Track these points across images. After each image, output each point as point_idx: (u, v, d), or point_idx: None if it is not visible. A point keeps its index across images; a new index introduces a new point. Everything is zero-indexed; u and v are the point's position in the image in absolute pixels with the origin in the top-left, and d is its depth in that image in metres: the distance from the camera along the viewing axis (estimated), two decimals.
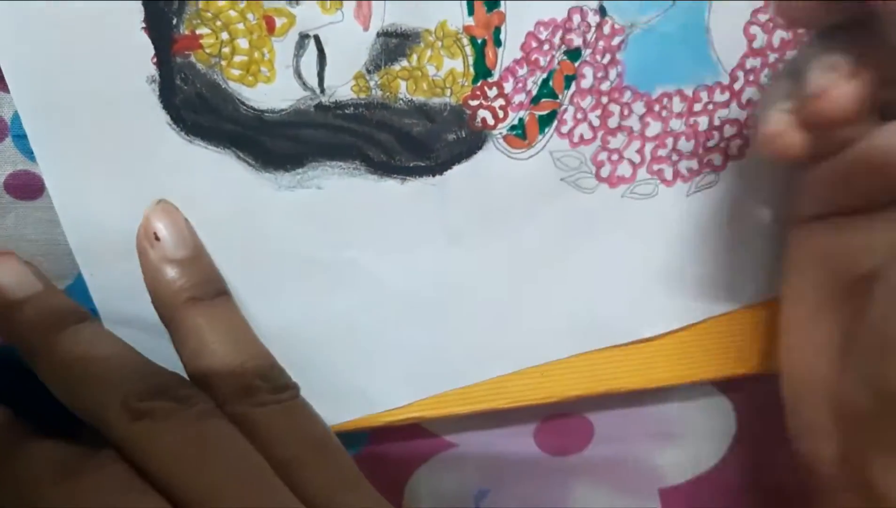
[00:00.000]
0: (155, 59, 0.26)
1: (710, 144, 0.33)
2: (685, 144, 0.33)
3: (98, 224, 0.27)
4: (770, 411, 0.31)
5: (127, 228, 0.28)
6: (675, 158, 0.33)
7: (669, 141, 0.33)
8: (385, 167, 0.30)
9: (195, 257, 0.27)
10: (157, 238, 0.27)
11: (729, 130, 0.33)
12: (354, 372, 0.31)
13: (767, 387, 0.32)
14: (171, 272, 0.27)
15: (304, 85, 0.28)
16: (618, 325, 0.33)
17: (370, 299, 0.31)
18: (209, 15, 0.26)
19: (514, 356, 0.33)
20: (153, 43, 0.26)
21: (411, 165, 0.30)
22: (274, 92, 0.28)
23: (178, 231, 0.27)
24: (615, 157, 0.32)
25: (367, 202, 0.30)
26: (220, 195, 0.28)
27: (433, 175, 0.30)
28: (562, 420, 0.36)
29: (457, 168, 0.30)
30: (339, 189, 0.29)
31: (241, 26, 0.27)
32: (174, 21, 0.26)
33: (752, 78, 0.32)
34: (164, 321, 0.27)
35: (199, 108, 0.27)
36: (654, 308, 0.33)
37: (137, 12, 0.26)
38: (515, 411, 0.33)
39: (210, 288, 0.27)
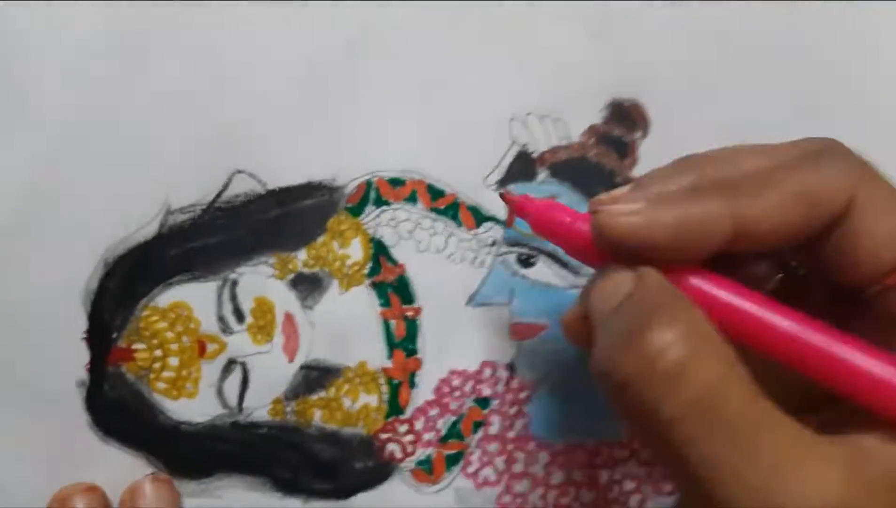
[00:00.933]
0: (88, 366, 0.29)
1: (610, 496, 0.34)
2: (586, 495, 0.34)
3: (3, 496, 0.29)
4: None
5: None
6: (576, 507, 0.34)
7: (572, 491, 0.34)
8: (290, 486, 0.31)
9: None
10: None
11: (628, 485, 0.34)
12: None
13: None
14: None
15: (224, 404, 0.30)
16: None
17: None
18: (147, 333, 0.29)
19: None
20: (90, 351, 0.29)
21: (316, 487, 0.31)
22: (194, 406, 0.30)
23: None
24: (519, 501, 0.34)
25: None
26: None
27: (337, 499, 0.31)
28: None
29: (362, 495, 0.31)
30: (241, 501, 0.31)
31: (174, 347, 0.29)
32: (114, 335, 0.29)
33: None
34: None
35: (120, 413, 0.29)
36: None
37: (82, 322, 0.29)
38: None
39: None
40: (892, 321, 0.21)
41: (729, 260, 0.22)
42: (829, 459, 0.18)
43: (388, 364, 0.31)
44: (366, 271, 0.31)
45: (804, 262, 0.24)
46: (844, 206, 0.20)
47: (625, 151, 0.32)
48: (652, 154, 0.31)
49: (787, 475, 0.18)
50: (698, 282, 0.21)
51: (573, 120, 0.32)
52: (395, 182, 0.31)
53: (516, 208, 0.26)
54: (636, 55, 0.32)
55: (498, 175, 0.31)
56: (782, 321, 0.20)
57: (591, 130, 0.32)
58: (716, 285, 0.21)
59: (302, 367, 0.30)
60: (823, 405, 0.21)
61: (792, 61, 0.33)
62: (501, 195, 0.27)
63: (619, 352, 0.19)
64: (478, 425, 0.32)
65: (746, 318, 0.21)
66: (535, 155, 0.31)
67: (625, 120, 0.32)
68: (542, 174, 0.32)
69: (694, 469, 0.18)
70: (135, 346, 0.29)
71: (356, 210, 0.31)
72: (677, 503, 0.28)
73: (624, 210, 0.20)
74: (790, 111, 0.33)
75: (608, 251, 0.21)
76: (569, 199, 0.31)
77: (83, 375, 0.29)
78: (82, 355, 0.29)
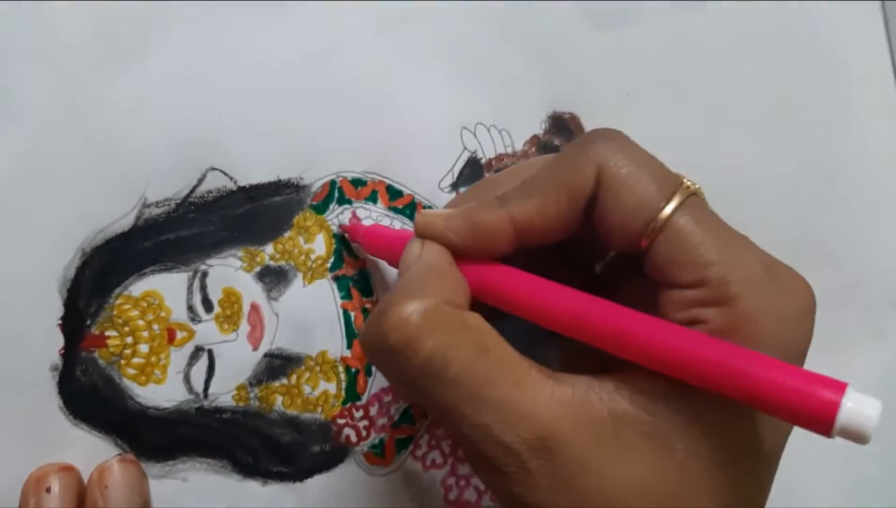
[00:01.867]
0: (62, 351, 0.30)
1: None
2: None
3: None
4: None
5: None
6: None
7: None
8: (250, 469, 0.33)
9: None
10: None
11: None
12: None
13: None
14: None
15: (191, 390, 0.32)
16: None
17: None
18: (120, 321, 0.31)
19: None
20: (65, 337, 0.30)
21: (274, 469, 0.33)
22: (162, 392, 0.32)
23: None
24: (463, 482, 0.36)
25: (227, 498, 0.33)
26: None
27: (294, 481, 0.33)
28: None
29: (317, 477, 0.34)
30: (203, 483, 0.32)
31: (145, 334, 0.31)
32: (88, 322, 0.31)
33: None
34: None
35: (91, 397, 0.31)
36: None
37: (57, 310, 0.30)
38: None
39: None
40: (659, 278, 0.23)
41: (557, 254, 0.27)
42: (547, 394, 0.22)
43: (347, 354, 0.33)
44: (328, 265, 0.33)
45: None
46: (594, 185, 0.23)
47: None
48: None
49: (506, 411, 0.22)
50: (484, 271, 0.26)
51: (517, 130, 0.35)
52: (357, 182, 0.34)
53: (349, 233, 0.32)
54: (574, 73, 0.36)
55: (451, 179, 0.35)
56: (539, 296, 0.25)
57: (533, 139, 0.36)
58: (497, 273, 0.26)
59: (266, 355, 0.32)
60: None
61: (708, 78, 0.37)
62: (339, 226, 0.33)
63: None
64: None
65: (511, 295, 0.25)
66: (483, 161, 0.35)
67: (563, 131, 0.36)
68: None
69: (438, 418, 0.23)
70: (107, 333, 0.31)
71: (321, 208, 0.33)
72: None
73: (434, 214, 0.26)
74: (706, 123, 0.37)
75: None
76: None
77: (57, 360, 0.30)
78: (57, 340, 0.30)
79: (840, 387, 0.19)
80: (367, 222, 0.33)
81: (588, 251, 0.28)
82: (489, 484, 0.24)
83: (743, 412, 0.23)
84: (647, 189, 0.23)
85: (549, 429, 0.22)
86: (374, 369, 0.34)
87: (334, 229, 0.33)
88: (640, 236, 0.23)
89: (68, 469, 0.30)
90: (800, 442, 0.24)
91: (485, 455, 0.22)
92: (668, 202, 0.22)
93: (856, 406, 0.19)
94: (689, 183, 0.23)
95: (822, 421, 0.19)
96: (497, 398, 0.22)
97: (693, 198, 0.23)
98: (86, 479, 0.30)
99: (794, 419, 0.20)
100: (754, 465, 0.23)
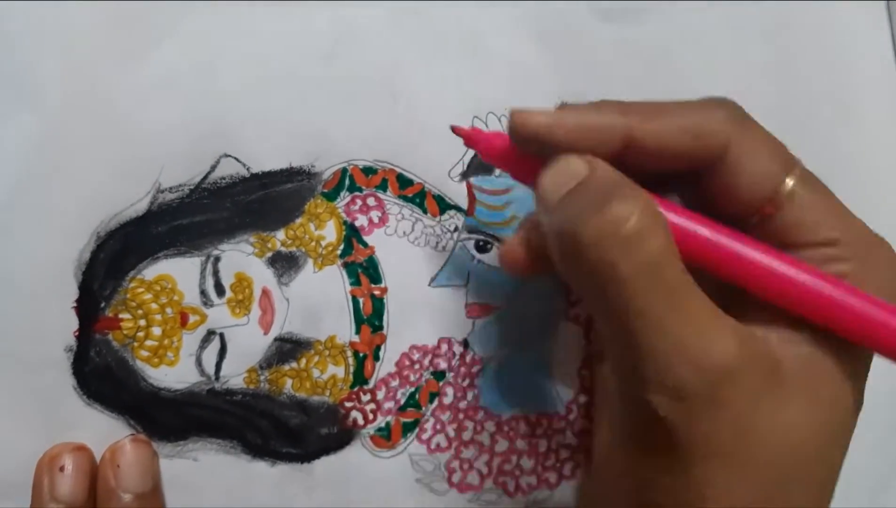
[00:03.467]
0: (76, 333, 0.31)
1: (548, 463, 0.38)
2: (526, 463, 0.38)
3: None
4: None
5: (8, 468, 0.31)
6: (517, 473, 0.38)
7: (514, 458, 0.38)
8: (259, 450, 0.34)
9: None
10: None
11: (563, 454, 0.38)
12: None
13: None
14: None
15: (202, 372, 0.32)
16: None
17: None
18: (133, 304, 0.31)
19: None
20: (79, 319, 0.31)
21: (283, 451, 0.34)
22: (174, 374, 0.32)
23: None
24: (466, 466, 0.37)
25: (237, 477, 0.33)
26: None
27: (302, 462, 0.34)
28: None
29: (325, 459, 0.34)
30: (213, 463, 0.33)
31: (158, 317, 0.32)
32: (102, 305, 0.31)
33: (583, 412, 0.38)
34: None
35: (105, 378, 0.31)
36: None
37: (72, 293, 0.31)
38: None
39: None
40: (784, 240, 0.25)
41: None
42: (731, 329, 0.23)
43: (356, 339, 0.34)
44: (338, 251, 0.34)
45: (693, 196, 0.28)
46: (724, 145, 0.24)
47: None
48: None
49: (701, 332, 0.22)
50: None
51: None
52: (368, 170, 0.34)
53: (466, 138, 0.30)
54: (584, 66, 0.36)
55: (461, 168, 0.35)
56: (701, 229, 0.25)
57: None
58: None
59: (276, 339, 0.33)
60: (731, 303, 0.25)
61: (715, 74, 0.38)
62: (452, 128, 0.30)
63: (586, 218, 0.22)
64: (433, 395, 0.36)
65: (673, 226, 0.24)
66: None
67: None
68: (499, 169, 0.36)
69: (631, 320, 0.22)
70: (121, 316, 0.31)
71: (332, 195, 0.34)
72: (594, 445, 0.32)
73: (535, 111, 0.25)
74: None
75: (522, 148, 0.26)
76: (522, 191, 0.35)
77: (72, 341, 0.31)
78: (72, 322, 0.31)
79: None
80: (406, 222, 0.34)
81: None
82: (656, 413, 0.23)
83: (863, 366, 0.25)
84: (773, 161, 0.24)
85: (734, 362, 0.22)
86: (381, 354, 0.35)
87: (344, 216, 0.34)
88: (766, 203, 0.24)
89: (82, 449, 0.30)
90: None
91: (669, 374, 0.22)
92: (791, 173, 0.24)
93: None
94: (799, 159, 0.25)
95: None
96: (702, 317, 0.22)
97: (808, 172, 0.25)
98: (98, 459, 0.31)
99: None
100: (854, 423, 0.25)
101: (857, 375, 0.24)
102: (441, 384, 0.35)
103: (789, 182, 0.24)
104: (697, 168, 0.25)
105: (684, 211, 0.26)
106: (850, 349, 0.23)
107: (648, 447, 0.25)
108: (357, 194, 0.34)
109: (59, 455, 0.30)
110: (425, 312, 0.35)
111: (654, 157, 0.24)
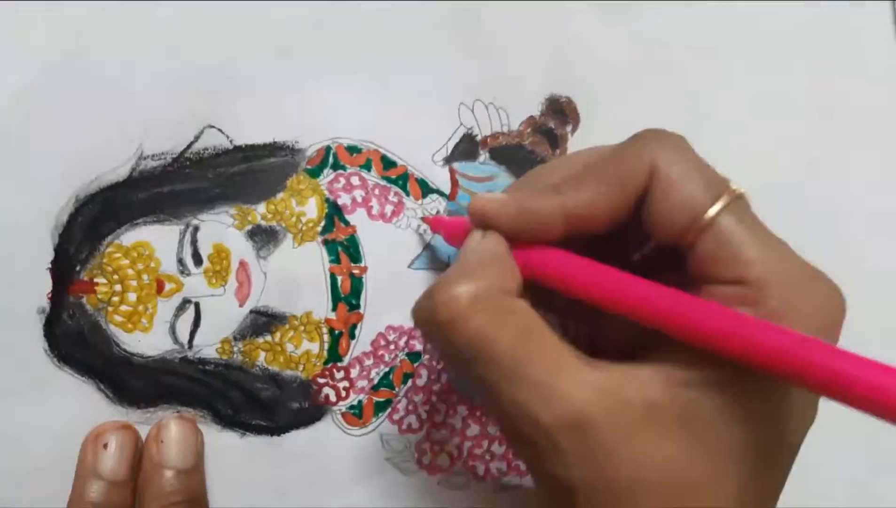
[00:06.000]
0: (50, 295, 0.31)
1: None
2: (498, 448, 0.38)
3: None
4: None
5: None
6: (487, 458, 0.38)
7: (485, 443, 0.38)
8: (229, 420, 0.34)
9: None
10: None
11: None
12: None
13: None
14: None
15: (176, 340, 0.33)
16: None
17: None
18: (109, 269, 0.31)
19: None
20: (53, 281, 0.31)
21: (253, 422, 0.34)
22: (147, 340, 0.32)
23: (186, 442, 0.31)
24: (437, 448, 0.37)
25: (206, 446, 0.33)
26: (73, 417, 0.32)
27: (271, 435, 0.34)
28: None
29: (295, 433, 0.34)
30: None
31: (134, 283, 0.32)
32: (77, 268, 0.31)
33: None
34: None
35: (76, 342, 0.31)
36: None
37: (47, 254, 0.31)
38: None
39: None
40: (700, 273, 0.24)
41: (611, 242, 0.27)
42: (583, 378, 0.23)
43: (332, 316, 0.34)
44: (319, 228, 0.34)
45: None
46: (646, 182, 0.24)
47: (556, 142, 0.36)
48: (579, 147, 0.35)
49: (543, 391, 0.23)
50: (539, 254, 0.26)
51: (514, 110, 0.35)
52: (353, 149, 0.34)
53: (431, 225, 0.33)
54: (575, 59, 0.36)
55: (444, 152, 0.35)
56: (597, 277, 0.25)
57: (530, 120, 0.36)
58: (553, 258, 0.26)
59: (251, 312, 0.33)
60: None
61: (709, 71, 0.37)
62: (422, 218, 0.33)
63: (419, 301, 0.25)
64: (407, 376, 0.36)
65: (572, 277, 0.25)
66: (478, 138, 0.35)
67: (559, 114, 0.36)
68: (483, 156, 0.36)
69: (480, 392, 0.24)
70: (96, 280, 0.31)
71: (315, 172, 0.34)
72: None
73: (488, 198, 0.26)
74: (695, 114, 0.37)
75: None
76: (504, 180, 0.35)
77: (44, 303, 0.31)
78: (45, 284, 0.31)
79: None
80: (389, 204, 0.34)
81: (627, 242, 0.29)
82: (522, 458, 0.25)
83: (772, 405, 0.24)
84: (696, 189, 0.24)
85: (583, 411, 0.22)
86: (357, 332, 0.35)
87: (326, 194, 0.34)
88: (686, 233, 0.24)
89: (127, 428, 0.31)
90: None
91: (520, 431, 0.23)
92: (714, 203, 0.23)
93: None
94: (735, 187, 0.24)
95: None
96: (535, 378, 0.23)
97: (738, 201, 0.24)
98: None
99: (869, 405, 0.20)
100: (778, 457, 0.25)
101: (765, 411, 0.23)
102: (416, 365, 0.35)
103: (712, 211, 0.23)
104: (631, 212, 0.25)
105: (582, 260, 0.26)
106: (764, 387, 0.23)
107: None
108: (341, 172, 0.34)
109: (104, 432, 0.31)
110: (403, 294, 0.35)
111: (598, 222, 0.25)
